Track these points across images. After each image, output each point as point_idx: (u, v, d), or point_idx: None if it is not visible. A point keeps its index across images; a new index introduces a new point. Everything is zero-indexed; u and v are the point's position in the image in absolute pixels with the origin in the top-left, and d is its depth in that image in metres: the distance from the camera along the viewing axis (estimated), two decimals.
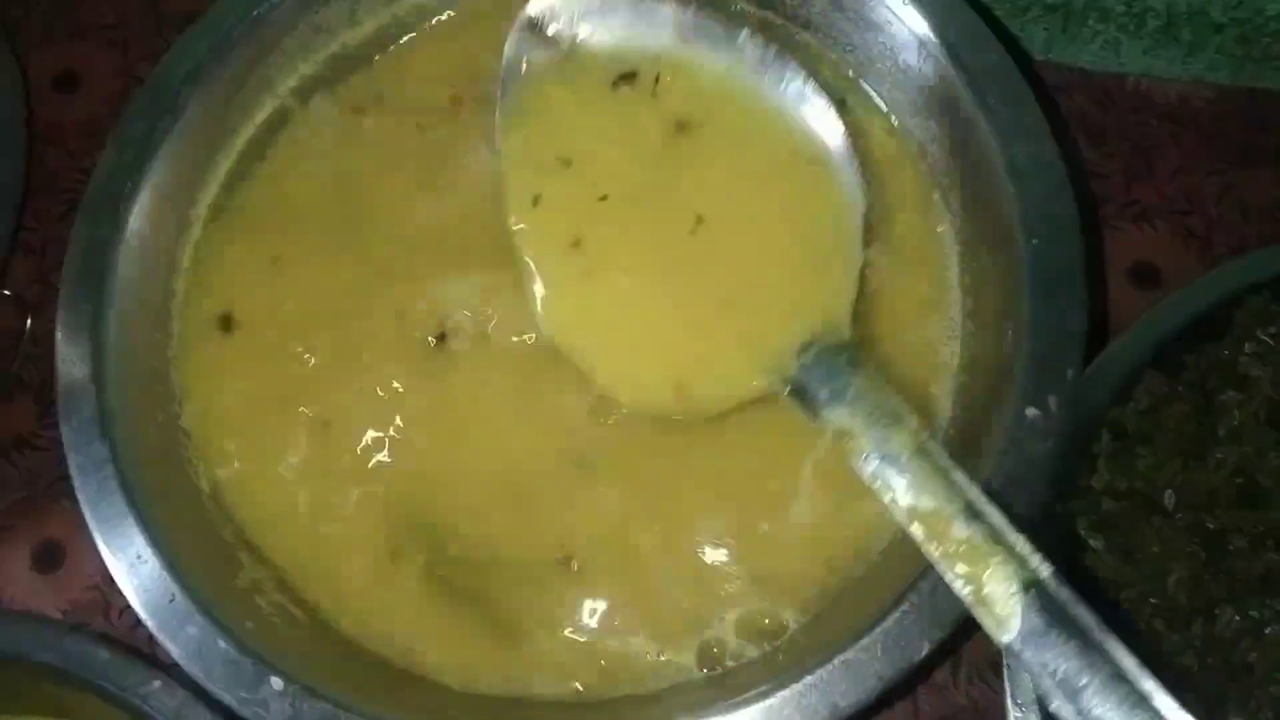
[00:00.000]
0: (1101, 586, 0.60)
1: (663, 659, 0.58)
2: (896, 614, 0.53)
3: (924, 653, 0.53)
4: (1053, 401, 0.55)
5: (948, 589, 0.50)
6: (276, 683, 0.53)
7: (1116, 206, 0.74)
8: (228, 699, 0.54)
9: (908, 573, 0.54)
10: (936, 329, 0.63)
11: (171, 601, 0.55)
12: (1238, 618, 0.56)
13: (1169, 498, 0.59)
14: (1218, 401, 0.61)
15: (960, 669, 0.64)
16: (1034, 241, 0.58)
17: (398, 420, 0.62)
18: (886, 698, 0.54)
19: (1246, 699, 0.55)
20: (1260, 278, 0.65)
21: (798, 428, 0.57)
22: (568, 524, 0.60)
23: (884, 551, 0.59)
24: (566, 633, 0.59)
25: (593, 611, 0.59)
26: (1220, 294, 0.65)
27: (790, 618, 0.58)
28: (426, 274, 0.64)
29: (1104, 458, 0.62)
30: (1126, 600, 0.59)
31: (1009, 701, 0.57)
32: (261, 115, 0.68)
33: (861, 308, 0.59)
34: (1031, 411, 0.55)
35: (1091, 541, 0.61)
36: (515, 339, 0.62)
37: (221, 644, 0.54)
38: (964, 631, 0.53)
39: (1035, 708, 0.57)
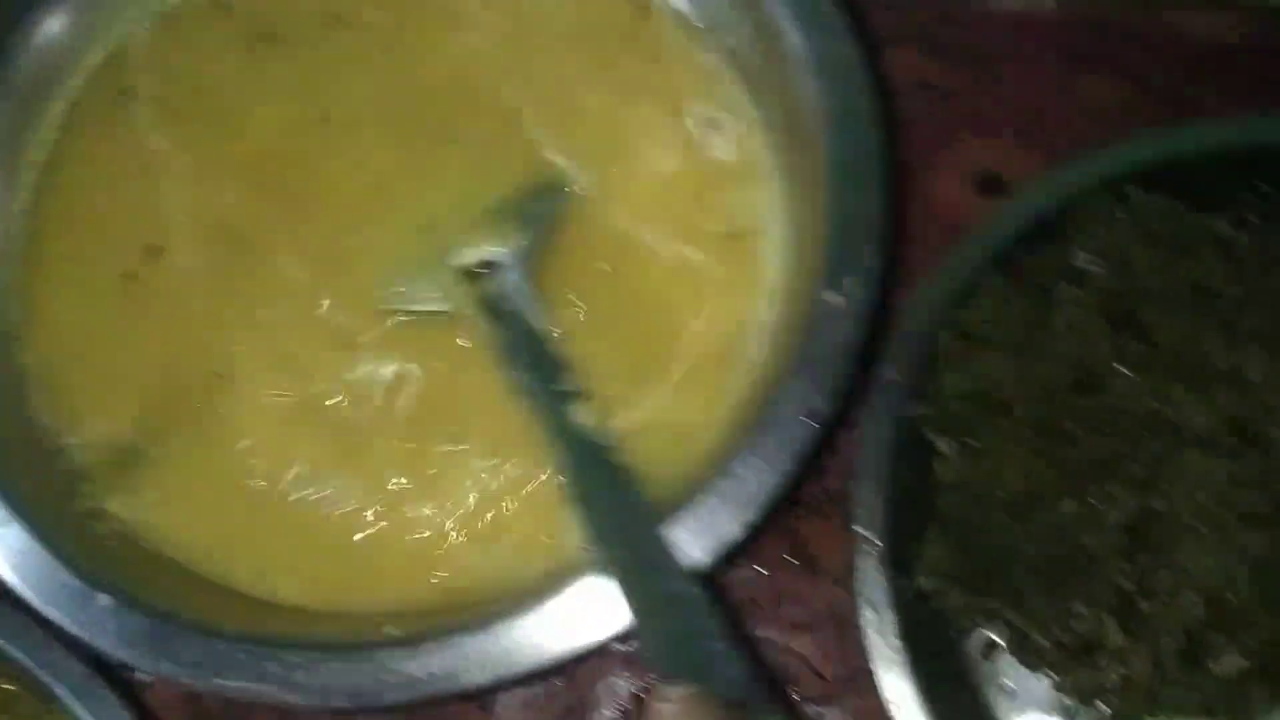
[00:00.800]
0: (951, 486, 0.62)
1: None
2: None
3: None
4: (849, 284, 0.57)
5: None
6: (104, 599, 0.54)
7: (961, 117, 0.75)
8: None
9: None
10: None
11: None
12: (1077, 506, 0.58)
13: (1008, 393, 0.61)
14: (1054, 298, 0.63)
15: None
16: (831, 132, 0.59)
17: None
18: None
19: (1089, 586, 0.57)
20: (1097, 178, 0.67)
21: None
22: None
23: None
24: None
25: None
26: (1059, 195, 0.67)
27: None
28: None
29: (947, 361, 0.64)
30: (972, 497, 0.61)
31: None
32: None
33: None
34: (830, 295, 0.56)
35: (938, 444, 0.62)
36: None
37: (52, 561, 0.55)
38: None
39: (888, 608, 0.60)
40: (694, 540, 0.55)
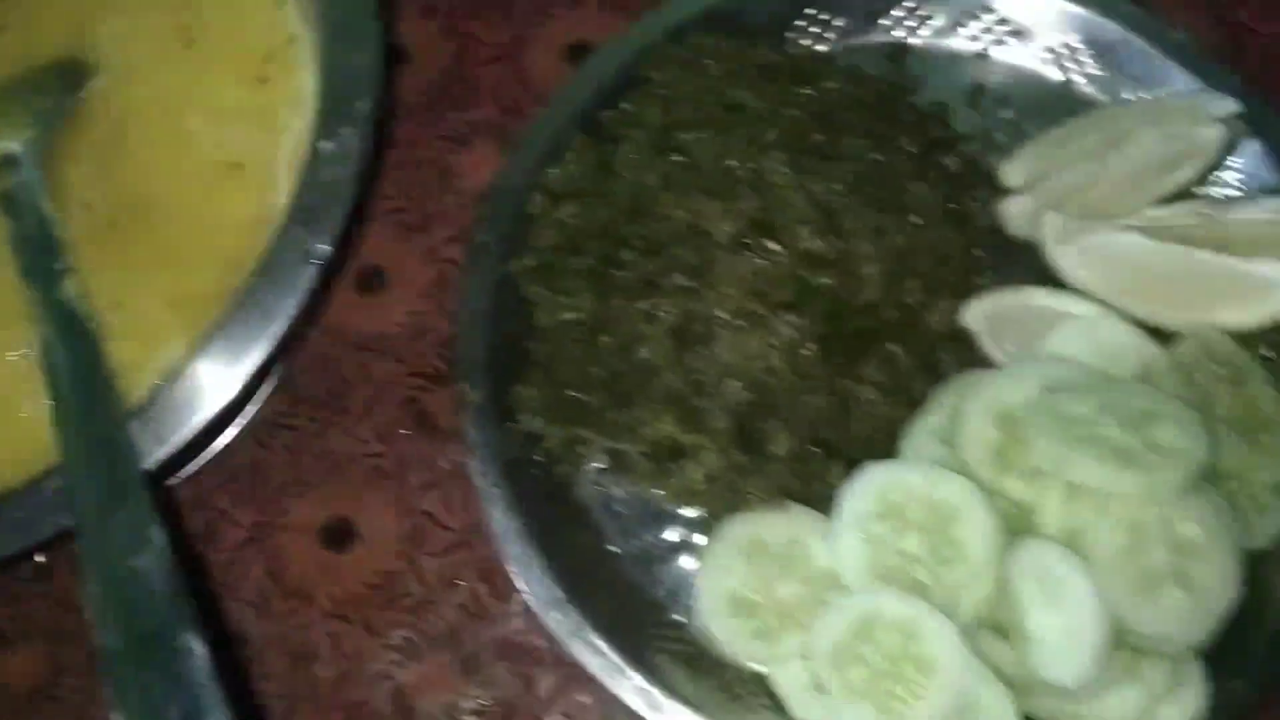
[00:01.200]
0: (545, 330, 0.66)
1: None
2: None
3: None
4: (346, 133, 0.60)
5: None
6: None
7: None
8: None
9: None
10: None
11: None
12: (630, 323, 0.62)
13: (581, 236, 0.65)
14: (620, 143, 0.67)
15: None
16: None
17: None
18: None
19: (648, 394, 0.62)
20: (661, 30, 0.71)
21: None
22: None
23: None
24: None
25: None
26: (629, 51, 0.71)
27: None
28: None
29: (538, 217, 0.68)
30: (559, 337, 0.65)
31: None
32: None
33: None
34: (325, 144, 0.59)
35: (530, 291, 0.66)
36: None
37: None
38: None
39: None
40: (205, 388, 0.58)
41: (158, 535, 0.53)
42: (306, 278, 0.57)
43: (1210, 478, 0.57)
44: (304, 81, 0.63)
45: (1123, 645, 0.55)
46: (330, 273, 0.70)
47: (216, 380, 0.57)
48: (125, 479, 0.55)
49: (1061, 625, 0.53)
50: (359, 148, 0.59)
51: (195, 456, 0.67)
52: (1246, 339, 0.63)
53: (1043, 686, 0.55)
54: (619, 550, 0.65)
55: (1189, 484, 0.54)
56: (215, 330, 0.57)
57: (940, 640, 0.54)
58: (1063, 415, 0.56)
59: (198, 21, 0.66)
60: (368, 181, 0.68)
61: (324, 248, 0.57)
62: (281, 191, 0.60)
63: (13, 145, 0.63)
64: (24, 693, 0.65)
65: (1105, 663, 0.53)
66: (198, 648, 0.50)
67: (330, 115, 0.59)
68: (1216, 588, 0.54)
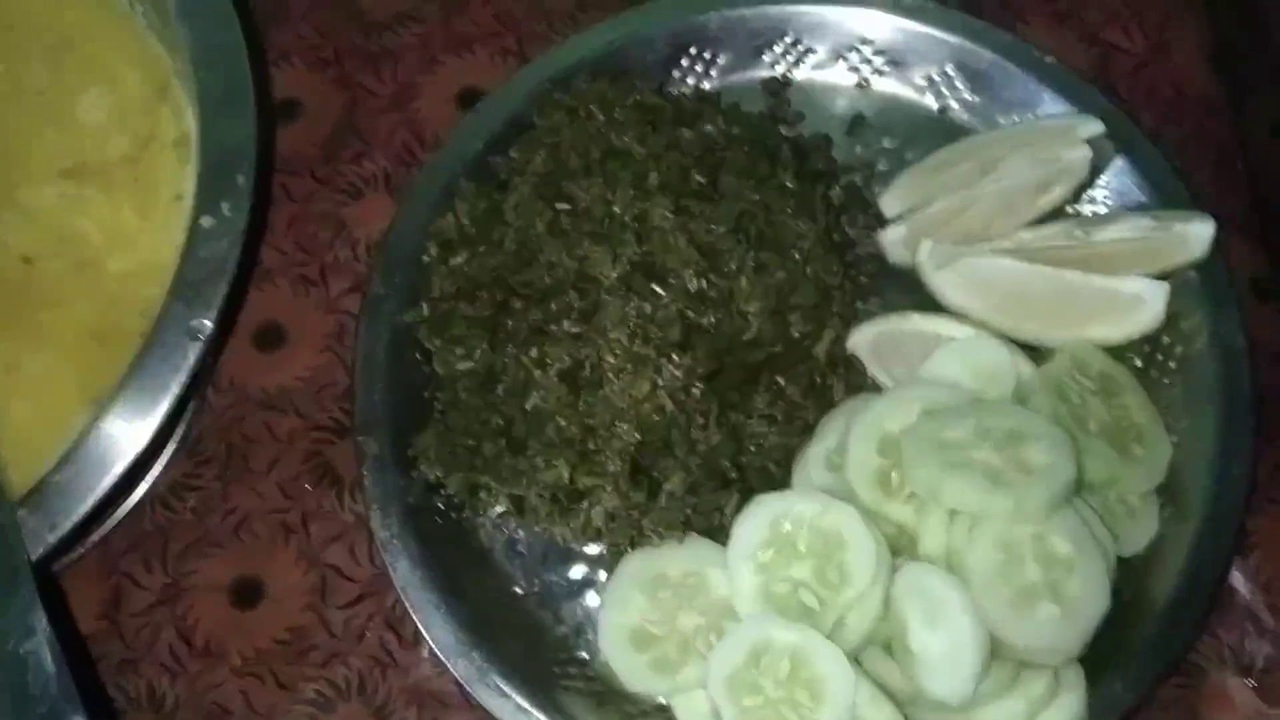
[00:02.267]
0: (445, 379, 0.68)
1: None
2: None
3: None
4: (226, 207, 0.62)
5: None
6: None
7: (440, 42, 0.82)
8: None
9: None
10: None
11: None
12: (520, 366, 0.65)
13: (474, 284, 0.68)
14: (508, 191, 0.70)
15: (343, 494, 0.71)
16: (202, 73, 0.66)
17: None
18: None
19: (542, 439, 0.64)
20: (548, 76, 0.74)
21: None
22: None
23: None
24: None
25: None
26: (519, 98, 0.74)
27: None
28: None
29: (431, 266, 0.70)
30: (456, 385, 0.67)
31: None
32: None
33: None
34: (206, 220, 0.62)
35: (426, 341, 0.69)
36: None
37: None
38: None
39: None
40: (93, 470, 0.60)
41: (42, 621, 0.55)
42: (192, 352, 0.59)
43: (1084, 489, 0.61)
44: (186, 158, 0.66)
45: (1004, 658, 0.58)
46: (226, 333, 0.74)
47: (109, 454, 0.59)
48: (12, 568, 0.57)
49: (942, 643, 0.57)
50: (239, 221, 0.61)
51: (99, 525, 0.69)
52: (1118, 352, 0.67)
53: (928, 702, 0.58)
54: (523, 591, 0.67)
55: (1058, 501, 0.58)
56: (103, 409, 0.59)
57: (829, 663, 0.57)
58: (938, 440, 0.60)
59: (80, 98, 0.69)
60: (259, 239, 0.70)
61: (207, 324, 0.59)
62: (167, 268, 0.63)
63: None
64: None
65: (985, 677, 0.57)
66: None
67: (209, 190, 0.62)
68: (1088, 599, 0.57)
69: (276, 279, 0.76)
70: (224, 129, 0.64)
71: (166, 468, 0.72)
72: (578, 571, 0.68)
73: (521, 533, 0.68)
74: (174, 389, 0.59)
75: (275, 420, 0.73)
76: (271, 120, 0.79)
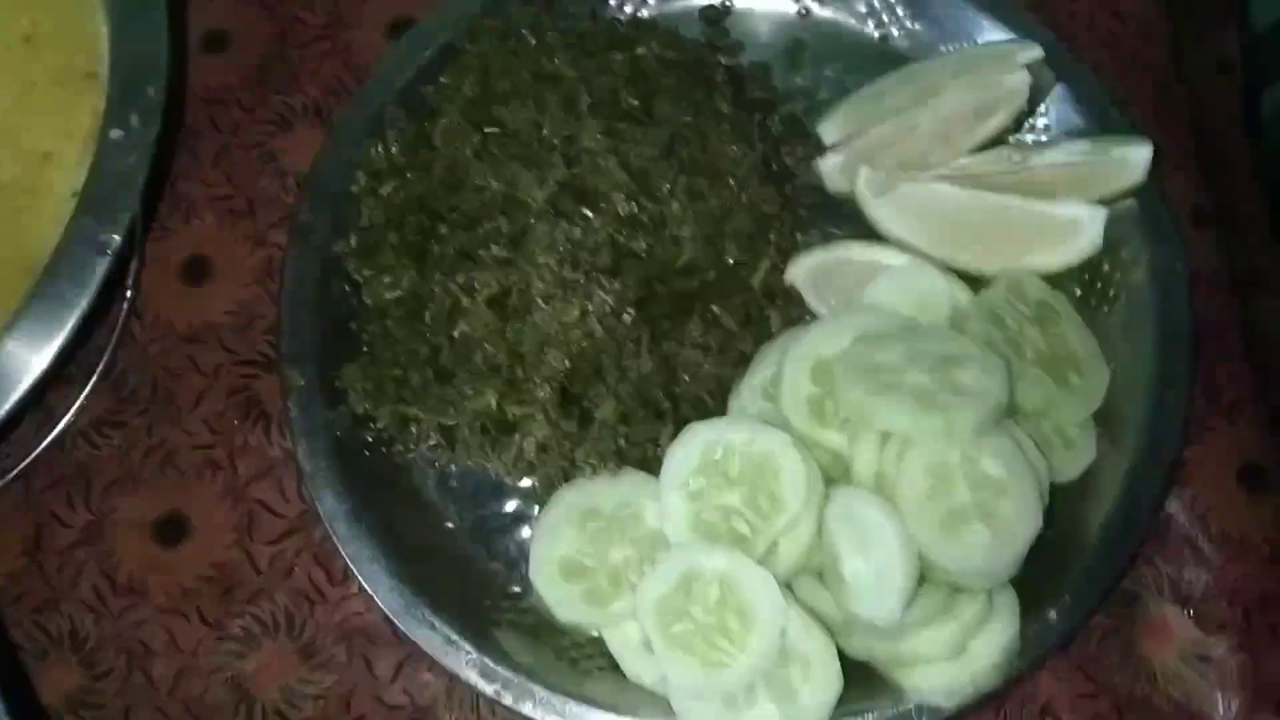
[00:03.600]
0: (374, 310, 0.68)
1: None
2: None
3: None
4: (135, 119, 0.62)
5: None
6: None
7: None
8: None
9: None
10: None
11: None
12: (447, 293, 0.65)
13: (401, 211, 0.67)
14: (438, 118, 0.69)
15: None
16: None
17: None
18: None
19: (470, 367, 0.64)
20: (481, 3, 0.73)
21: None
22: None
23: None
24: None
25: None
26: (449, 26, 0.73)
27: None
28: None
29: (361, 197, 0.70)
30: (384, 315, 0.67)
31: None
32: None
33: None
34: (115, 133, 0.61)
35: (354, 270, 0.68)
36: None
37: None
38: None
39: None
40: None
41: None
42: (100, 268, 0.59)
43: (1019, 416, 0.61)
44: (98, 71, 0.65)
45: (937, 583, 0.58)
46: (150, 265, 0.73)
47: (13, 374, 0.59)
48: None
49: (872, 567, 0.57)
50: (150, 134, 0.60)
51: (18, 459, 0.69)
52: (1057, 280, 0.67)
53: (860, 627, 0.58)
54: (455, 525, 0.67)
55: (988, 423, 0.58)
56: (9, 324, 0.58)
57: (758, 589, 0.58)
58: (870, 365, 0.60)
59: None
60: (170, 163, 0.70)
61: (115, 238, 0.59)
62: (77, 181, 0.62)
63: None
64: None
65: (915, 601, 0.57)
66: None
67: (120, 103, 0.61)
68: (1019, 522, 0.57)
69: (203, 212, 0.75)
70: (136, 44, 0.63)
71: (90, 403, 0.71)
72: (511, 505, 0.67)
73: (454, 467, 0.68)
74: (81, 305, 0.58)
75: (201, 355, 0.72)
76: (184, 47, 0.78)
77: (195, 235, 0.75)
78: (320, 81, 0.78)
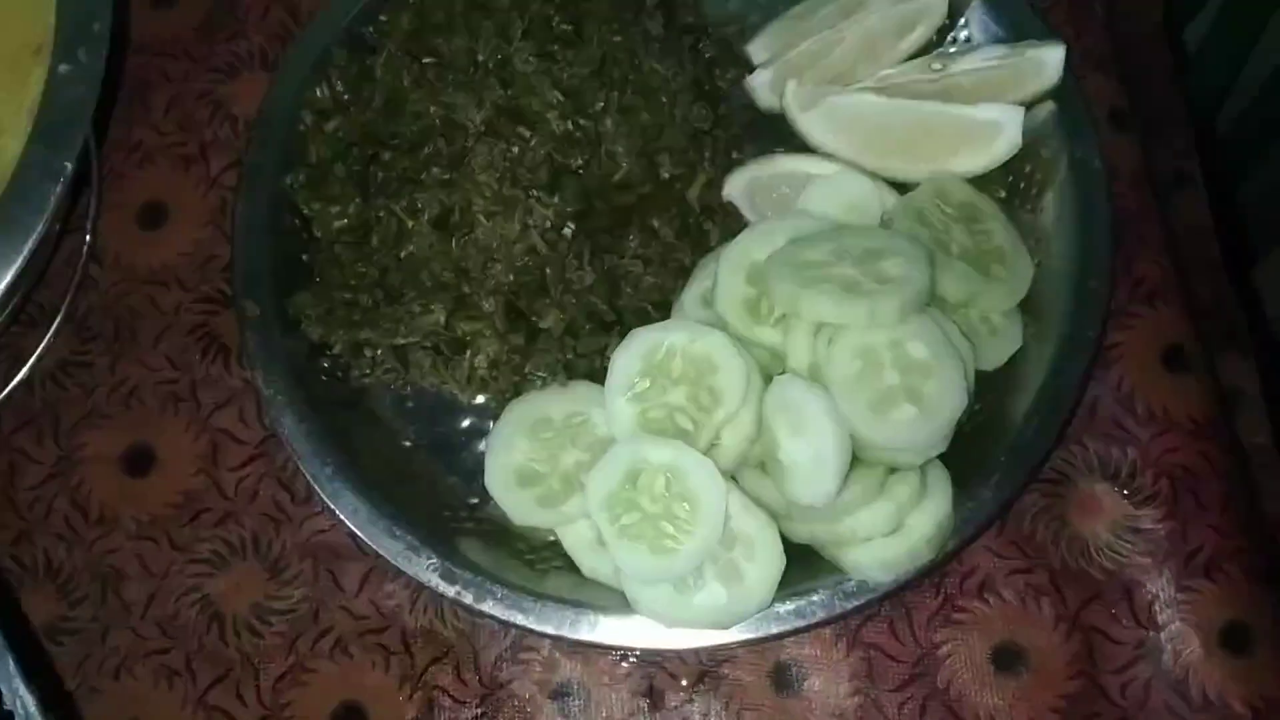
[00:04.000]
0: (324, 241, 0.71)
1: None
2: None
3: None
4: (82, 53, 0.64)
5: None
6: None
7: None
8: None
9: None
10: None
11: None
12: (392, 215, 0.68)
13: (345, 144, 0.70)
14: (378, 53, 0.72)
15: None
16: None
17: None
18: None
19: (418, 287, 0.67)
20: None
21: None
22: None
23: None
24: None
25: None
26: None
27: None
28: None
29: (308, 135, 0.73)
30: (334, 244, 0.70)
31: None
32: None
33: None
34: (64, 67, 0.64)
35: (303, 204, 0.71)
36: None
37: None
38: None
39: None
40: None
41: None
42: (53, 194, 0.61)
43: (946, 307, 0.65)
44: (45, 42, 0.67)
45: (872, 465, 0.61)
46: (108, 209, 0.76)
47: None
48: None
49: (807, 450, 0.60)
50: (97, 66, 0.63)
51: None
52: (982, 181, 0.70)
53: (800, 511, 0.61)
54: (413, 444, 0.70)
55: (911, 308, 0.61)
56: None
57: (702, 476, 0.61)
58: (799, 261, 0.63)
59: None
60: (111, 111, 0.73)
61: (67, 165, 0.61)
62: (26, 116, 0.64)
63: None
64: None
65: (851, 482, 0.60)
66: None
67: (67, 41, 0.64)
68: (945, 399, 0.60)
69: (157, 159, 0.78)
70: (83, 4, 0.65)
71: (55, 345, 0.73)
72: (466, 422, 0.70)
73: (409, 389, 0.71)
74: (37, 229, 0.61)
75: (161, 294, 0.75)
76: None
77: (150, 181, 0.77)
78: (266, 29, 0.81)
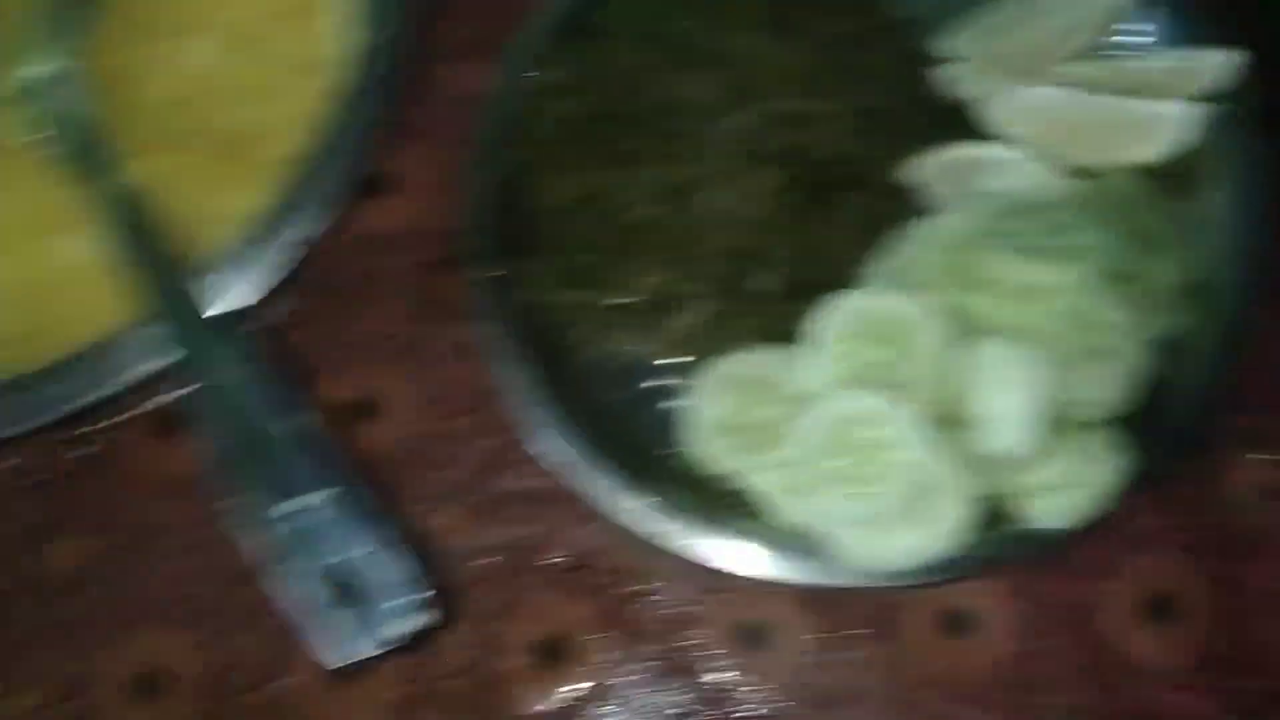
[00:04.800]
0: (549, 210, 0.79)
1: None
2: None
3: None
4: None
5: None
6: None
7: None
8: None
9: None
10: None
11: None
12: (619, 189, 0.77)
13: (575, 122, 0.79)
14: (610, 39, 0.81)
15: None
16: None
17: None
18: None
19: (641, 250, 0.76)
20: None
21: None
22: None
23: None
24: None
25: None
26: None
27: None
28: None
29: (537, 112, 0.81)
30: (559, 213, 0.79)
31: None
32: None
33: None
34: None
35: (529, 180, 0.79)
36: None
37: None
38: None
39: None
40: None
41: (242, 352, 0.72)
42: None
43: (1119, 280, 0.71)
44: None
45: (1060, 423, 0.68)
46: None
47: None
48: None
49: (1006, 402, 0.66)
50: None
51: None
52: (1153, 171, 0.77)
53: (991, 466, 0.68)
54: (619, 397, 0.78)
55: (1107, 274, 0.68)
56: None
57: (900, 425, 0.67)
58: (1004, 232, 0.70)
59: None
60: None
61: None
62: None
63: (46, 68, 0.77)
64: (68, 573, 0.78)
65: (1044, 432, 0.67)
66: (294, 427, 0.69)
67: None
68: (1133, 361, 0.68)
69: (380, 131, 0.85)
70: None
71: (275, 307, 0.80)
72: (668, 380, 0.77)
73: (617, 349, 0.78)
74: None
75: (383, 261, 0.83)
76: None
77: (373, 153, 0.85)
78: (486, 14, 0.87)
